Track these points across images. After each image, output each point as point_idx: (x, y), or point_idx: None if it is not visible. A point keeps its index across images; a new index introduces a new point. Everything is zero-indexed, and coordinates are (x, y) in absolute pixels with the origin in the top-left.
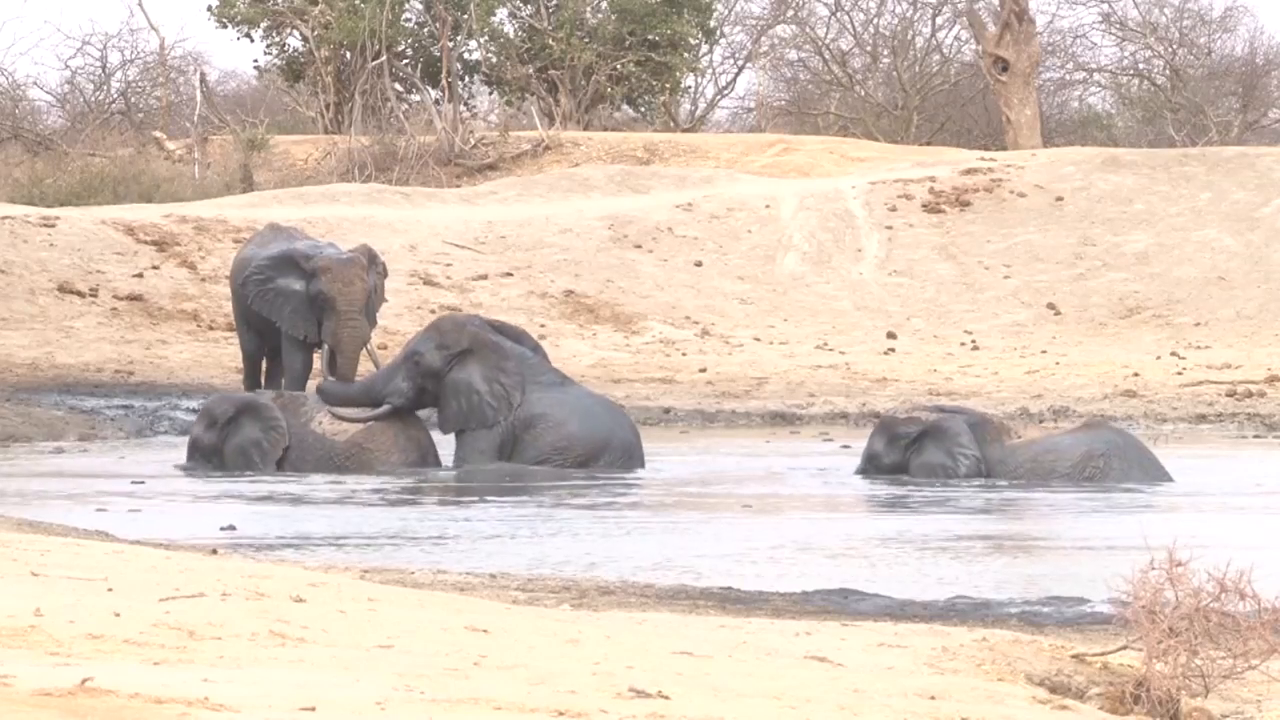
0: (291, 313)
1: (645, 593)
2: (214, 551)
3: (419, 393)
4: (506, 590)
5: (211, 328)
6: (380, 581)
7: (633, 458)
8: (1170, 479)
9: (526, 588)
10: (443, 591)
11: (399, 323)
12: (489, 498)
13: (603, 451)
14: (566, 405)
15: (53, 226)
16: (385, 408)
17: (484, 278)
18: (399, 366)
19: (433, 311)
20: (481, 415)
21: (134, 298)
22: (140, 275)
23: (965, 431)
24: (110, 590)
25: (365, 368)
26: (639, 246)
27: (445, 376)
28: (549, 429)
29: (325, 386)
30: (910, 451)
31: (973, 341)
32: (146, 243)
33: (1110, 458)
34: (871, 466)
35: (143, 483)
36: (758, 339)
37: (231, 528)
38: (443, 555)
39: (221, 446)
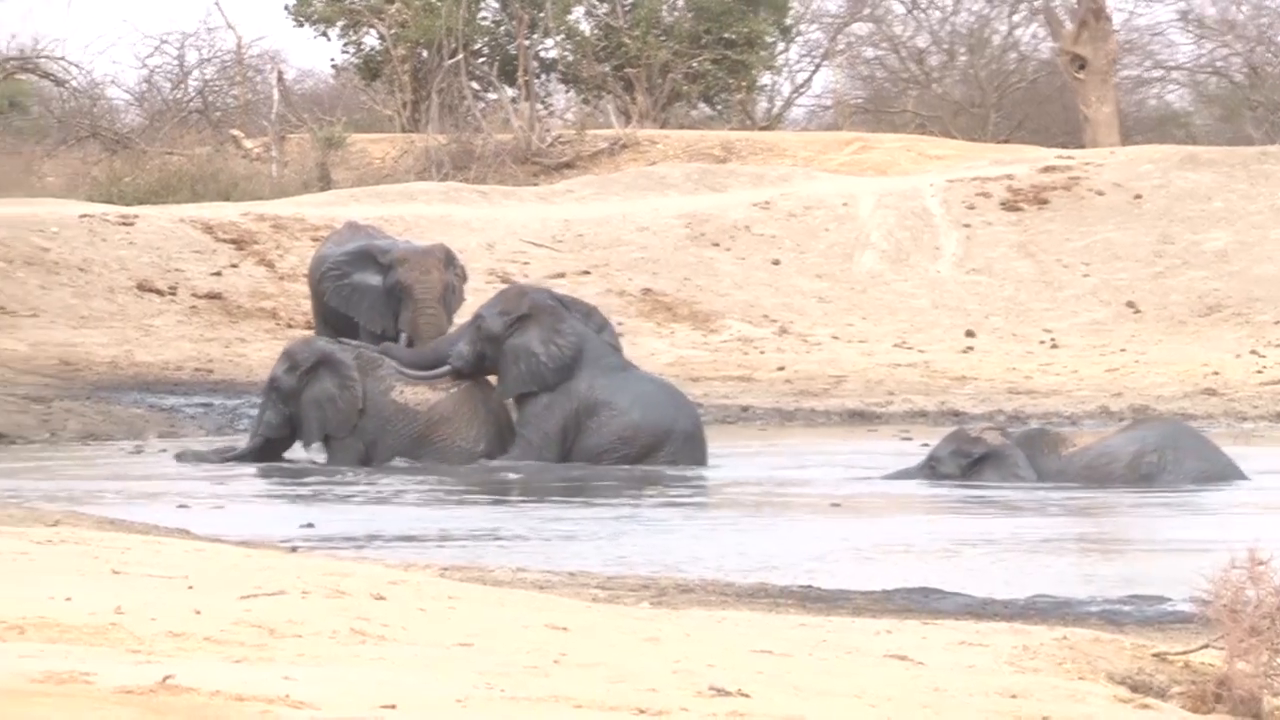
0: (369, 307)
1: (725, 591)
2: (294, 549)
3: (479, 357)
4: (586, 588)
5: (290, 326)
6: (460, 579)
7: (695, 447)
8: (1234, 467)
9: (606, 586)
10: (522, 589)
11: None
12: (567, 496)
13: (665, 441)
14: (629, 392)
15: (131, 225)
16: (445, 368)
17: (561, 276)
18: (464, 330)
19: None
20: (540, 378)
21: (213, 296)
22: (219, 273)
23: (1024, 463)
24: (191, 588)
25: None
26: (716, 245)
27: (505, 341)
28: (613, 417)
29: (390, 347)
30: (969, 472)
31: (1052, 340)
32: (225, 241)
33: (1163, 451)
34: (929, 468)
35: (224, 482)
36: (836, 337)
37: (310, 525)
38: (522, 553)
39: (300, 392)
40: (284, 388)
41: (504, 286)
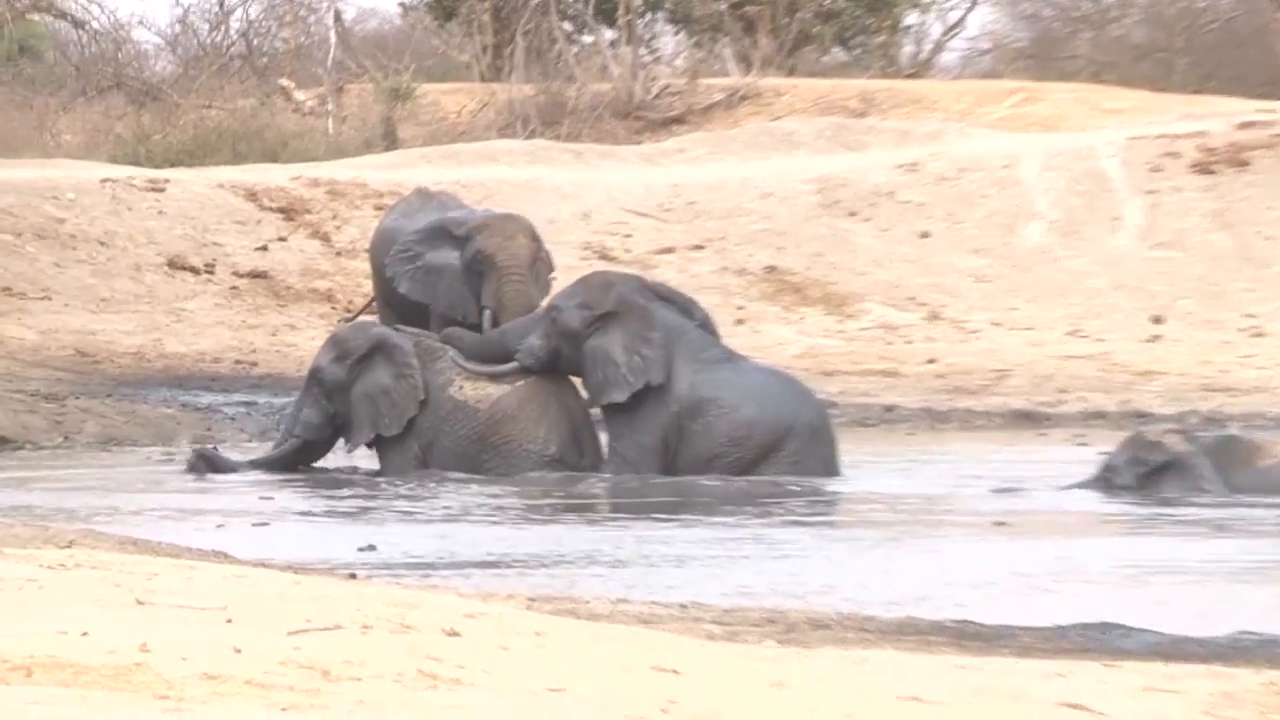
0: (447, 291)
1: (866, 626)
2: (352, 575)
3: (552, 355)
4: (700, 623)
5: (349, 310)
6: (549, 611)
7: (823, 444)
8: None
9: (723, 620)
10: (624, 624)
11: None
12: (673, 512)
13: (786, 439)
14: (739, 386)
15: (162, 191)
16: (511, 365)
17: (670, 251)
18: (537, 321)
19: None
20: (618, 389)
21: (257, 275)
22: (264, 248)
23: (1210, 474)
24: (230, 621)
25: None
26: (854, 214)
27: (584, 342)
28: (721, 416)
29: (452, 331)
30: (1146, 482)
31: (1254, 327)
32: (272, 210)
33: None
34: (1104, 480)
35: (270, 498)
36: (997, 324)
37: (371, 548)
38: (622, 581)
39: (350, 385)
40: (330, 380)
41: (597, 268)
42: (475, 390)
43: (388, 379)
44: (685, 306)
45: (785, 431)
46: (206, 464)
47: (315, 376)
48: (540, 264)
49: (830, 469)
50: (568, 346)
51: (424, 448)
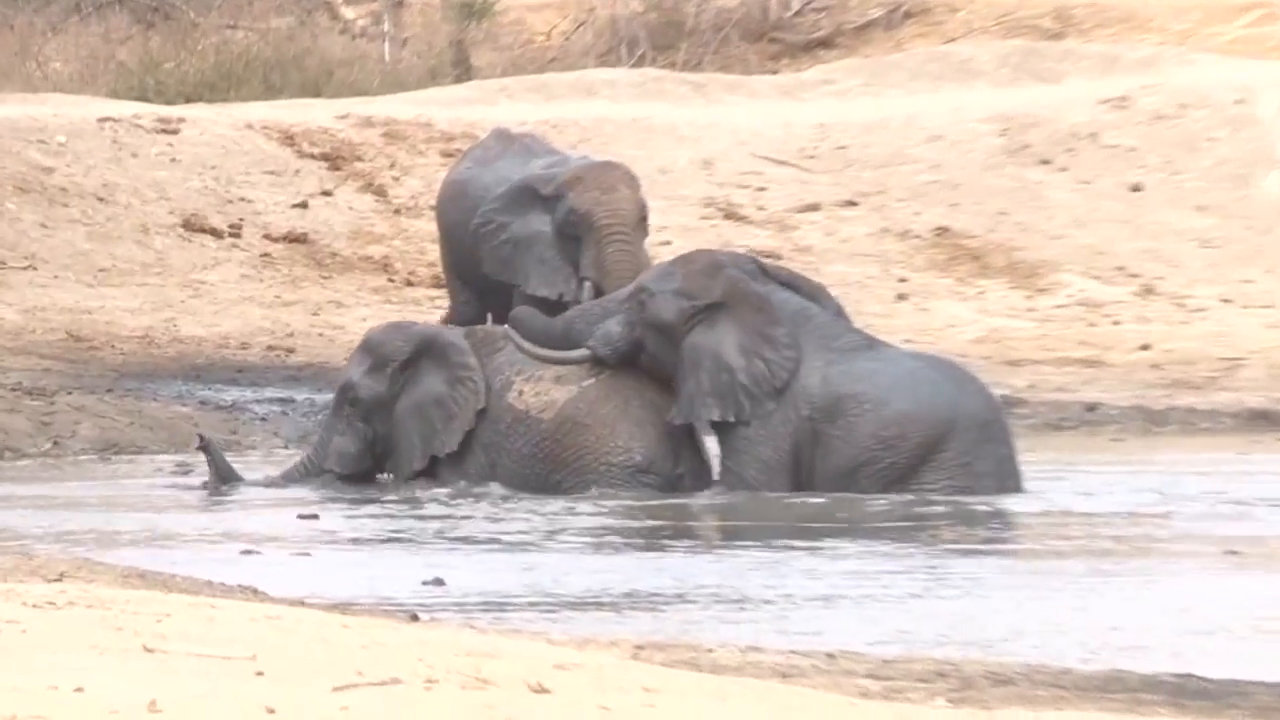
0: (538, 265)
1: (1060, 681)
2: (414, 617)
3: (633, 346)
4: (851, 677)
5: (410, 283)
6: (661, 662)
7: (993, 438)
8: None
9: (881, 673)
10: (756, 678)
11: None
12: (813, 538)
13: (949, 435)
14: (885, 376)
15: (175, 133)
16: (581, 352)
17: (814, 209)
18: (620, 304)
19: None
20: (734, 404)
21: (295, 238)
22: (304, 205)
23: None
24: (260, 674)
25: None
26: (1046, 162)
27: (683, 338)
28: (865, 414)
29: (520, 312)
30: None
31: None
32: (313, 156)
33: None
34: None
35: (314, 516)
36: (1227, 300)
37: (439, 582)
38: (752, 623)
39: (393, 400)
40: (367, 396)
41: (721, 230)
42: (537, 396)
43: (441, 385)
44: (812, 295)
45: (947, 427)
46: (217, 477)
47: (347, 394)
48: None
49: (1008, 473)
50: (657, 341)
51: (489, 465)
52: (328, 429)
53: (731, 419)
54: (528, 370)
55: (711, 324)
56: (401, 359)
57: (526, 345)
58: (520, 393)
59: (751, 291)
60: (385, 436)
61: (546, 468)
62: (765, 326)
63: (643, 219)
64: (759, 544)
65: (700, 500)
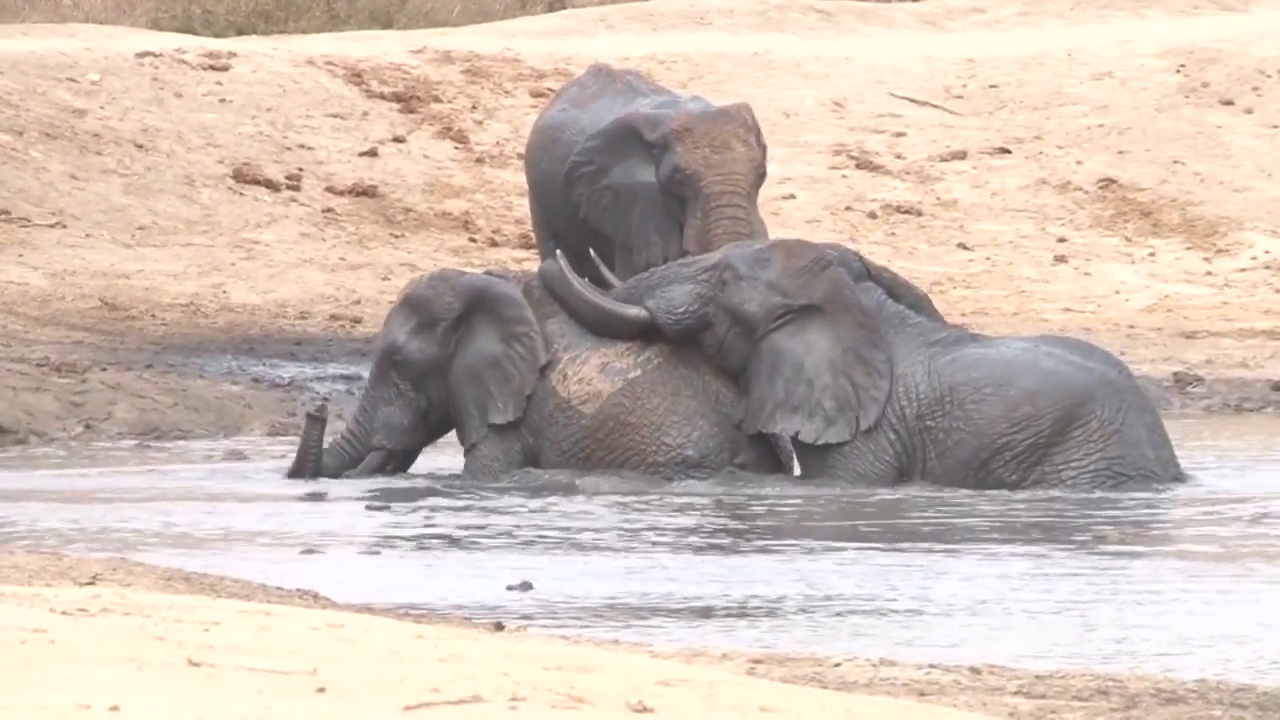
0: (640, 222)
1: (1238, 699)
2: (499, 626)
3: (699, 321)
4: (999, 694)
5: (494, 243)
6: (781, 677)
7: (1136, 405)
8: None
9: (1033, 690)
10: (888, 695)
11: (809, 236)
12: (940, 538)
13: (1087, 401)
14: (998, 358)
15: (225, 70)
16: (636, 311)
17: (961, 157)
18: (696, 274)
19: (871, 215)
20: (805, 421)
21: (362, 192)
22: (372, 153)
23: None
24: (322, 691)
25: None
26: (1229, 103)
27: (764, 336)
28: (988, 398)
29: (548, 268)
30: None
31: None
32: (382, 97)
33: None
34: None
35: (384, 508)
36: None
37: (526, 586)
38: (884, 633)
39: (445, 362)
40: (418, 359)
41: (853, 181)
42: (580, 385)
43: (495, 344)
44: (915, 305)
45: (1084, 395)
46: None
47: (392, 358)
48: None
49: (1161, 441)
50: (730, 330)
51: (534, 450)
52: (371, 399)
53: (807, 440)
54: (575, 349)
55: (802, 327)
56: (453, 316)
57: (576, 287)
58: (564, 377)
59: (856, 302)
60: (440, 404)
61: (587, 468)
62: (864, 346)
63: (760, 177)
64: (892, 545)
65: (822, 495)
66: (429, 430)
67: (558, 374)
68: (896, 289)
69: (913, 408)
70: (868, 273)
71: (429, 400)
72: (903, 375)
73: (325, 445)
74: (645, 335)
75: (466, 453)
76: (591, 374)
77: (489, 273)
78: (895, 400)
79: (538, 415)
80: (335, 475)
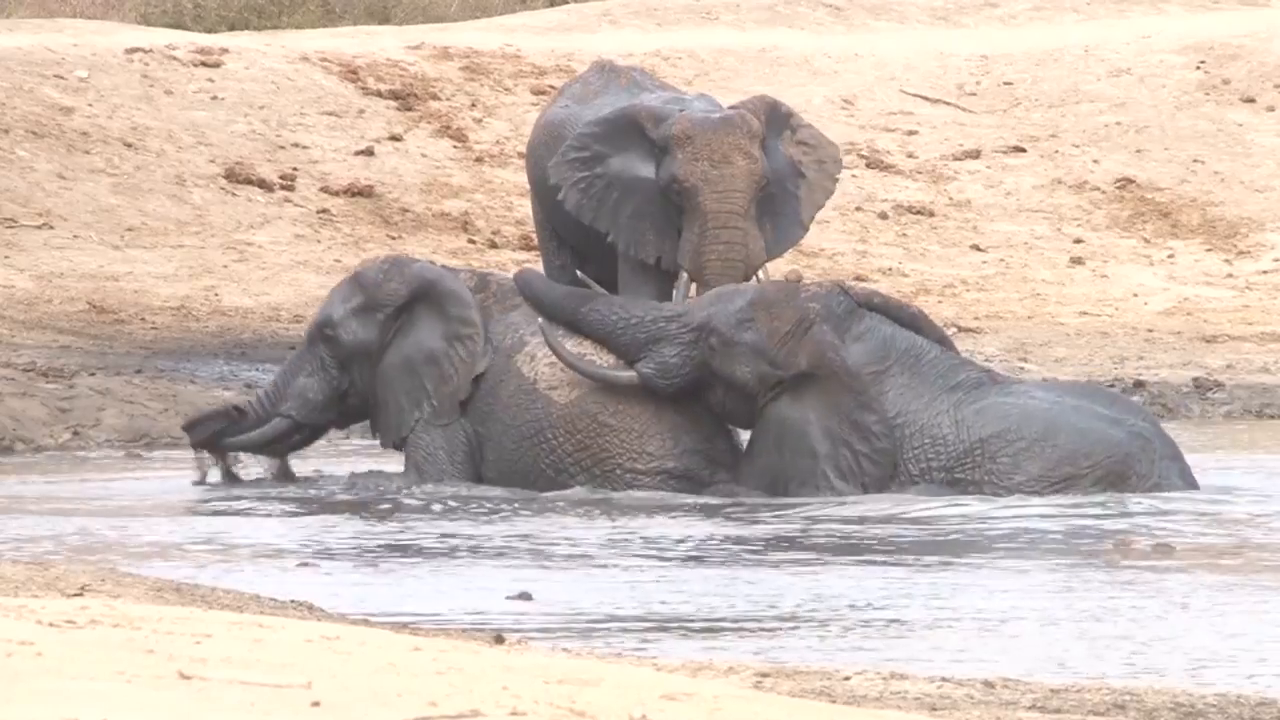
0: (634, 219)
1: (1259, 714)
2: (499, 638)
3: (694, 383)
4: (1012, 709)
5: (494, 244)
6: (789, 691)
7: (1166, 452)
8: None
9: (1047, 704)
10: (899, 710)
11: (818, 237)
12: (955, 552)
13: (1127, 463)
14: (1031, 409)
15: (217, 66)
16: (629, 375)
17: (974, 156)
18: (682, 332)
19: (882, 216)
20: (825, 494)
21: (358, 191)
22: (368, 152)
23: None
24: (317, 705)
25: None
26: (1251, 101)
27: (764, 404)
28: (1023, 453)
29: (528, 277)
30: None
31: None
32: (379, 94)
33: None
34: None
35: (375, 518)
36: None
37: (526, 596)
38: (892, 645)
39: (381, 351)
40: (350, 340)
41: (864, 180)
42: (551, 369)
43: (436, 340)
44: (914, 323)
45: (1122, 454)
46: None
47: (325, 331)
48: (793, 182)
49: (1191, 482)
50: (727, 393)
51: (473, 438)
52: (293, 366)
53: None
54: (543, 338)
55: (798, 396)
56: (396, 304)
57: (562, 351)
58: (533, 358)
59: (842, 364)
60: (361, 390)
61: (552, 461)
62: (855, 411)
63: (760, 189)
64: (902, 556)
65: (837, 507)
66: (344, 412)
67: (524, 355)
68: (890, 310)
69: (939, 460)
70: (857, 304)
71: (351, 382)
72: (927, 425)
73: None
74: None
75: (385, 444)
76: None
77: (445, 267)
78: (921, 451)
79: (489, 400)
80: (237, 435)
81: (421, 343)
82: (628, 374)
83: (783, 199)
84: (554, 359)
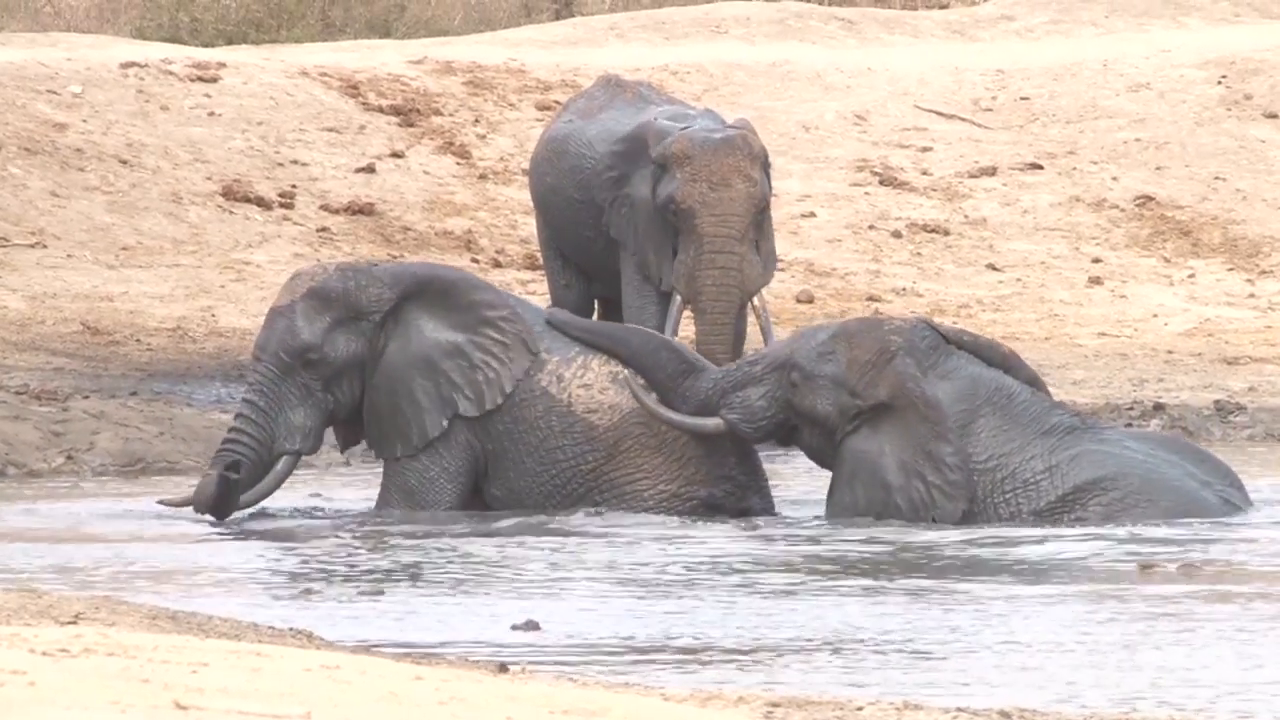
0: (641, 235)
1: None
2: (503, 667)
3: (780, 426)
4: None
5: (498, 263)
6: None
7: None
8: None
9: None
10: None
11: (830, 256)
12: (987, 573)
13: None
14: (1128, 461)
15: (214, 81)
16: (715, 423)
17: (990, 173)
18: (767, 370)
19: (895, 235)
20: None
21: (359, 209)
22: (370, 169)
23: None
24: None
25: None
26: (1273, 116)
27: (844, 437)
28: (1114, 504)
29: (558, 315)
30: None
31: None
32: (380, 110)
33: None
34: None
35: (387, 549)
36: None
37: (534, 625)
38: (909, 674)
39: (375, 360)
40: (337, 356)
41: (875, 198)
42: (586, 390)
43: (450, 333)
44: (1004, 363)
45: (1221, 515)
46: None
47: (307, 357)
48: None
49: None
50: (811, 432)
51: (477, 458)
52: (271, 402)
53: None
54: (561, 351)
55: (875, 429)
56: (383, 309)
57: (646, 399)
58: (559, 379)
59: (921, 394)
60: (349, 405)
61: (584, 482)
62: (930, 441)
63: (762, 211)
64: (919, 583)
65: (852, 531)
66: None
67: (548, 376)
68: (980, 349)
69: (1030, 504)
70: (945, 339)
71: (337, 401)
72: (1019, 469)
73: (223, 463)
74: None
75: (380, 455)
76: (601, 381)
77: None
78: (1013, 495)
79: (510, 420)
80: (248, 486)
81: (435, 339)
82: (714, 421)
83: (767, 224)
84: (586, 381)
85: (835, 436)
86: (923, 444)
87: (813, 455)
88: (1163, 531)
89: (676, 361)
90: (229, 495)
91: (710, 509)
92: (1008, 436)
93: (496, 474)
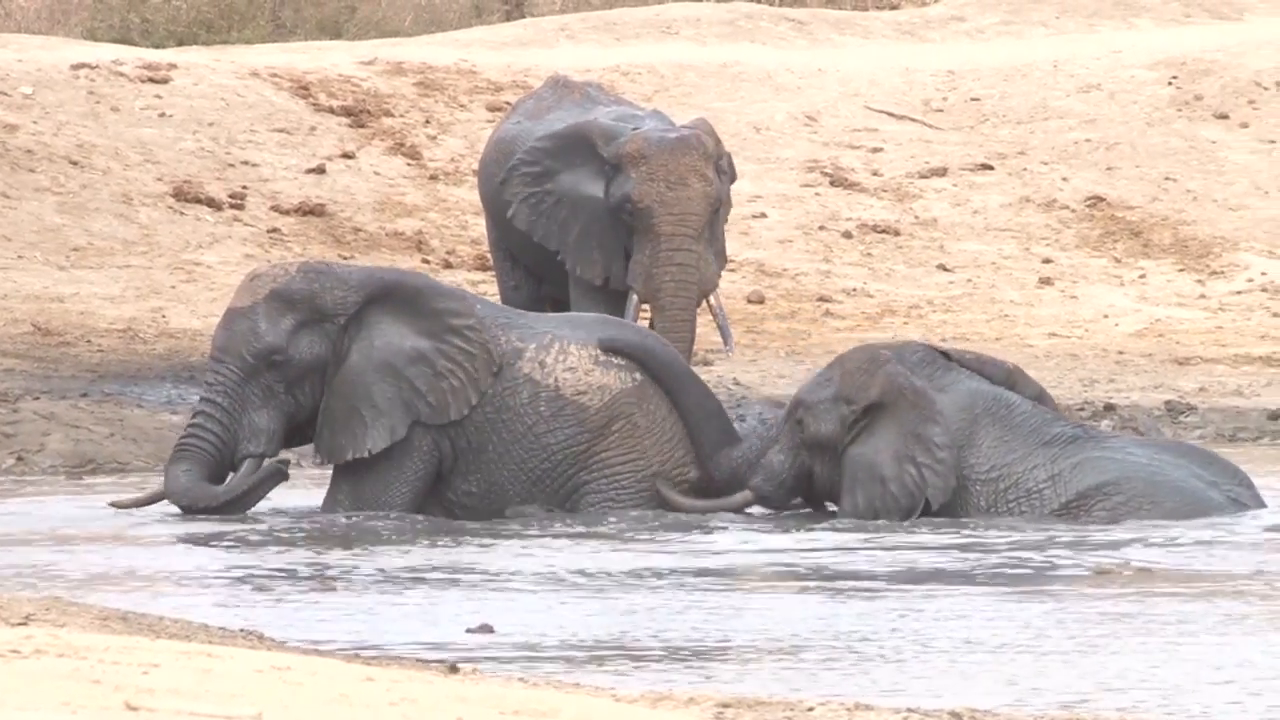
0: (582, 236)
1: None
2: (454, 668)
3: (800, 474)
4: None
5: (449, 264)
6: None
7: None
8: None
9: None
10: None
11: (780, 257)
12: (946, 578)
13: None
14: (1126, 467)
15: (165, 82)
16: (744, 496)
17: (941, 174)
18: (779, 429)
19: (846, 235)
20: (895, 516)
21: (309, 210)
22: (320, 170)
23: None
24: None
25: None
26: (1223, 117)
27: (845, 450)
28: (1119, 508)
29: (614, 341)
30: None
31: None
32: (331, 111)
33: None
34: None
35: (330, 548)
36: None
37: (488, 628)
38: (872, 673)
39: (338, 363)
40: (302, 358)
41: (826, 197)
42: (573, 374)
43: (416, 339)
44: (1008, 379)
45: (1227, 514)
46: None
47: (272, 359)
48: (718, 216)
49: None
50: (823, 462)
51: (444, 450)
52: (240, 402)
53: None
54: (535, 337)
55: (870, 431)
56: (349, 312)
57: (675, 497)
58: (542, 365)
59: (909, 386)
60: (310, 407)
61: (573, 465)
62: (919, 424)
63: (715, 211)
64: (871, 584)
65: (815, 532)
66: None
67: (529, 362)
68: (983, 366)
69: (1034, 513)
70: (945, 356)
71: (298, 403)
72: (1022, 479)
73: (187, 459)
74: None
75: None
76: (585, 364)
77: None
78: (1017, 505)
79: (490, 410)
80: (214, 483)
81: (399, 345)
82: (741, 496)
83: (717, 224)
84: (570, 365)
85: (835, 452)
86: (912, 428)
87: (828, 492)
88: (1131, 533)
89: (718, 432)
90: (197, 493)
91: (700, 490)
92: (1009, 447)
93: (472, 469)
